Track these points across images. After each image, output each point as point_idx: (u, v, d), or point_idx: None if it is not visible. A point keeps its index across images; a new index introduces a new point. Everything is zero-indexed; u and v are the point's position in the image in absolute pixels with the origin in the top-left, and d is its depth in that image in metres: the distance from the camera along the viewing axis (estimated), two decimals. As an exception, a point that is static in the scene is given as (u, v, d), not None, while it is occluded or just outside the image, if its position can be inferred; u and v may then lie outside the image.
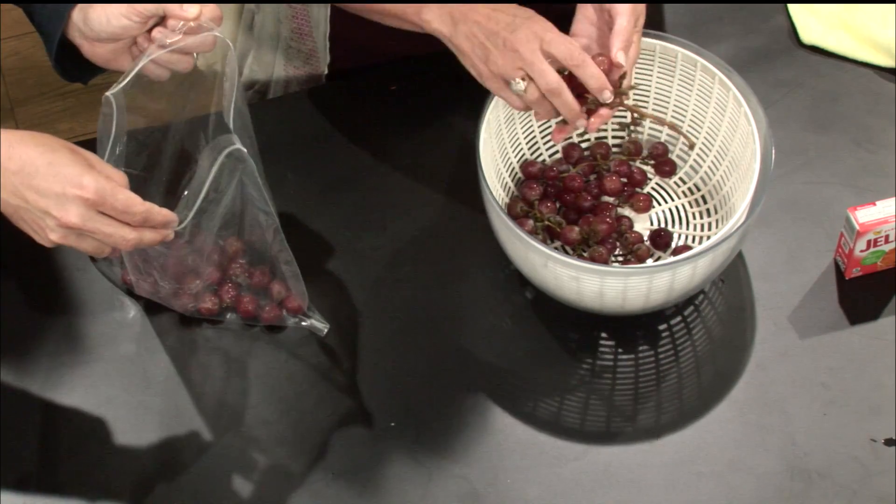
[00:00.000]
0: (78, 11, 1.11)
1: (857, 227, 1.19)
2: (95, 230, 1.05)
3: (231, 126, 1.11)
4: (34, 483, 1.15)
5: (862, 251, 1.21)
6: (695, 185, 1.30)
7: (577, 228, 1.23)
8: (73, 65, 1.17)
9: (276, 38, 1.46)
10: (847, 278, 1.24)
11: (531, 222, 1.25)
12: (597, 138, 1.32)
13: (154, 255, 1.20)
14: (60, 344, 1.23)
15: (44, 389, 1.21)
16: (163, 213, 1.09)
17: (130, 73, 1.10)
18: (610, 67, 1.14)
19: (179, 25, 1.10)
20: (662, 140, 1.31)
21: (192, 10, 1.09)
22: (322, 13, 1.38)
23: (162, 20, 1.11)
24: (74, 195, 1.03)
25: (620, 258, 1.25)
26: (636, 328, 1.23)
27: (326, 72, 1.44)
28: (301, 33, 1.43)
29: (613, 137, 1.32)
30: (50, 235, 1.06)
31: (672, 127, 1.26)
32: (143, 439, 1.18)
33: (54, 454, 1.17)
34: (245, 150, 1.11)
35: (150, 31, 1.12)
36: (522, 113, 1.27)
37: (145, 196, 1.09)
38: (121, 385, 1.21)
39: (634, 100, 1.28)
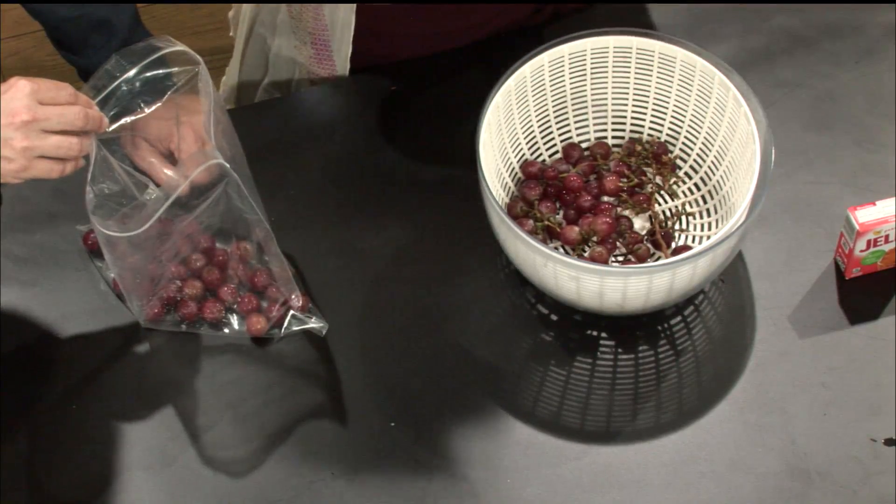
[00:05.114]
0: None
1: (857, 226, 1.19)
2: (45, 117, 1.05)
3: (212, 141, 1.10)
4: (28, 482, 1.16)
5: (862, 251, 1.21)
6: (695, 185, 1.30)
7: (577, 228, 1.23)
8: None
9: (292, 64, 1.45)
10: (847, 278, 1.24)
11: (531, 222, 1.25)
12: (597, 138, 1.32)
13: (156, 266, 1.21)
14: (58, 346, 1.23)
15: (43, 390, 1.21)
16: (84, 97, 1.11)
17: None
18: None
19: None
20: (662, 140, 1.31)
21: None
22: (345, 35, 1.37)
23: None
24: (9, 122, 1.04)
25: (620, 258, 1.25)
26: (636, 328, 1.23)
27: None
28: (320, 59, 1.42)
29: (613, 137, 1.32)
30: (8, 166, 1.06)
31: None
32: (142, 440, 1.18)
33: (49, 454, 1.17)
34: (227, 164, 1.09)
35: None
36: (522, 113, 1.27)
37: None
38: (120, 386, 1.21)
39: (634, 99, 1.29)
